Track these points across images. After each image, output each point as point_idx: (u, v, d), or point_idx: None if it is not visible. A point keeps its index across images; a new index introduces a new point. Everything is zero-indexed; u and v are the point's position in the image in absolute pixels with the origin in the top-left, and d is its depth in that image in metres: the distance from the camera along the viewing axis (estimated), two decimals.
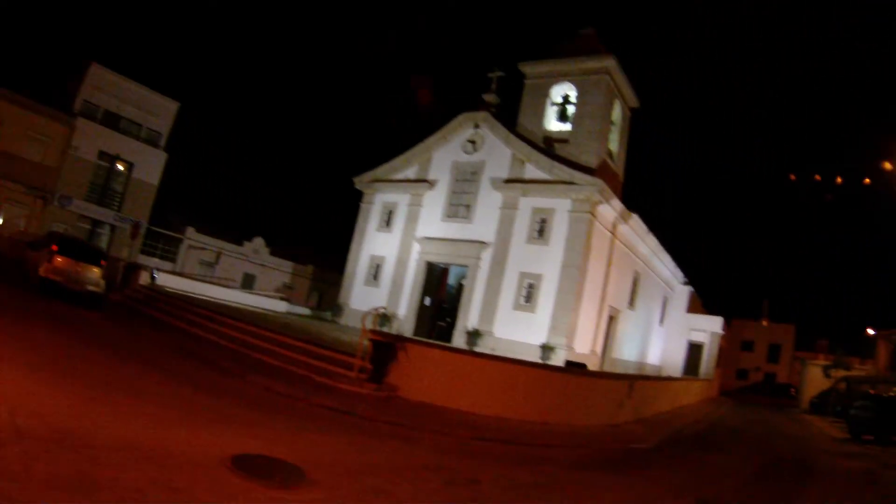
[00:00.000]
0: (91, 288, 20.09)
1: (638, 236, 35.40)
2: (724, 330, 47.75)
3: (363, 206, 35.93)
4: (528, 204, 30.27)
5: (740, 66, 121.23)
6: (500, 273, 30.26)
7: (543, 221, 29.78)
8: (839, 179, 32.08)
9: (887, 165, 27.56)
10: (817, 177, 32.01)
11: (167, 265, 39.65)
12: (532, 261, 29.63)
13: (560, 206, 29.42)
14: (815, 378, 44.21)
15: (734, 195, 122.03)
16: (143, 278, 27.34)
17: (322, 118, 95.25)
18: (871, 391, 34.58)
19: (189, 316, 20.97)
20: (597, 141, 31.03)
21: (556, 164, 29.89)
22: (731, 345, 69.87)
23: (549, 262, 29.15)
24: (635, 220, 33.13)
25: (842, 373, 40.75)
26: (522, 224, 30.24)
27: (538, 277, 29.36)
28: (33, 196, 34.73)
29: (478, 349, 28.36)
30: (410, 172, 34.64)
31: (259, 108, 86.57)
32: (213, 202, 61.78)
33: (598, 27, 34.62)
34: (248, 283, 43.21)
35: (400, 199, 34.57)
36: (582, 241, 28.53)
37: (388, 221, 34.82)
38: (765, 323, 70.96)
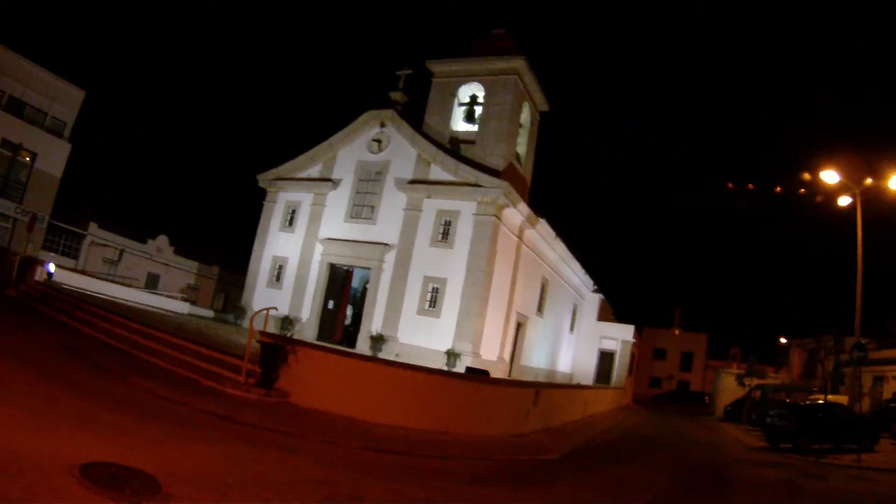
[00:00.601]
0: None
1: (546, 242, 34.53)
2: (635, 338, 47.41)
3: (266, 204, 34.10)
4: (433, 206, 29.04)
5: (662, 69, 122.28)
6: (403, 276, 28.92)
7: (448, 224, 28.59)
8: (750, 186, 31.74)
9: (806, 176, 27.26)
10: (750, 185, 31.60)
11: (69, 262, 37.10)
12: (436, 264, 28.40)
13: (465, 209, 28.27)
14: (729, 386, 44.34)
15: (647, 203, 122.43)
16: (40, 274, 25.53)
17: (229, 112, 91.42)
18: (788, 399, 34.65)
19: (81, 314, 19.68)
20: (504, 143, 29.98)
21: (461, 165, 28.74)
22: (643, 353, 70.06)
23: (453, 265, 27.97)
24: (543, 224, 32.23)
25: (756, 381, 40.80)
26: (427, 226, 28.98)
27: (442, 281, 28.14)
28: None
29: (382, 355, 27.09)
30: (315, 171, 33.01)
31: (166, 101, 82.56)
32: (117, 198, 58.46)
33: (511, 28, 33.66)
34: (152, 283, 40.79)
35: (303, 198, 32.89)
36: (487, 245, 27.42)
37: (291, 221, 33.10)
38: (676, 332, 71.36)
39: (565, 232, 36.03)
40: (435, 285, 28.32)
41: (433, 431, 14.46)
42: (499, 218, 27.97)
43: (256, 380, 14.13)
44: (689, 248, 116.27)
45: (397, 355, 27.05)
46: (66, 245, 38.24)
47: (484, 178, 27.92)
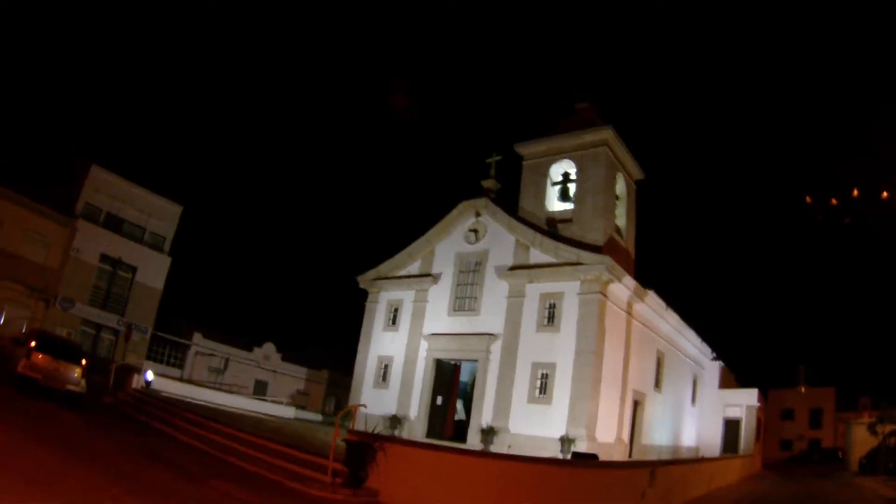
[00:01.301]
0: (70, 387, 18.50)
1: (657, 314, 32.71)
2: (759, 402, 44.07)
3: (368, 305, 33.77)
4: (536, 290, 27.99)
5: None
6: (511, 365, 27.73)
7: (553, 307, 27.41)
8: (855, 192, 28.82)
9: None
10: (833, 201, 28.91)
11: (175, 371, 37.61)
12: (544, 349, 27.14)
13: (568, 289, 27.09)
14: (862, 437, 40.25)
15: (756, 263, 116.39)
16: (137, 381, 25.78)
17: (326, 217, 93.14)
18: None
19: (175, 420, 19.46)
20: (601, 217, 28.83)
21: (560, 245, 27.72)
22: (771, 416, 65.50)
23: (561, 349, 26.64)
24: (651, 296, 30.56)
25: (889, 427, 36.95)
26: (531, 311, 27.87)
27: (551, 367, 26.79)
28: (35, 298, 33.08)
29: (494, 447, 25.95)
30: (414, 268, 32.59)
31: (263, 211, 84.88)
32: (221, 307, 59.59)
33: (595, 100, 32.83)
34: (260, 389, 40.79)
35: (405, 295, 32.40)
36: (594, 324, 26.03)
37: (393, 320, 32.57)
38: (802, 389, 66.29)
39: (676, 302, 34.26)
40: (544, 371, 26.99)
41: None
42: (604, 294, 26.62)
43: (344, 479, 13.29)
44: (802, 301, 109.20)
45: (510, 447, 25.76)
46: (171, 355, 38.79)
47: (585, 256, 26.78)
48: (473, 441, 27.20)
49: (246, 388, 39.41)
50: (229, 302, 62.24)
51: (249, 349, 42.00)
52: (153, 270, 37.60)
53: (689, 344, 39.74)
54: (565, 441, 24.87)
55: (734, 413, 43.10)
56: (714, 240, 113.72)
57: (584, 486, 15.01)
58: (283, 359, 43.43)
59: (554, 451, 24.13)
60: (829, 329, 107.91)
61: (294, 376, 43.37)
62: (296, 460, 14.97)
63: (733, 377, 48.97)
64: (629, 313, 29.63)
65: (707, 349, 42.90)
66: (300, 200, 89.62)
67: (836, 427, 63.43)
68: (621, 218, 31.71)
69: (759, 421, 44.96)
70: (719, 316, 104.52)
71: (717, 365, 44.66)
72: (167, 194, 39.76)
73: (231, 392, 33.50)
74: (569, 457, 23.95)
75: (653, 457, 31.82)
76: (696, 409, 42.43)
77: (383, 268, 33.45)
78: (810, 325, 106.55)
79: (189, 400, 26.35)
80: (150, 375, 27.03)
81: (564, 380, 26.22)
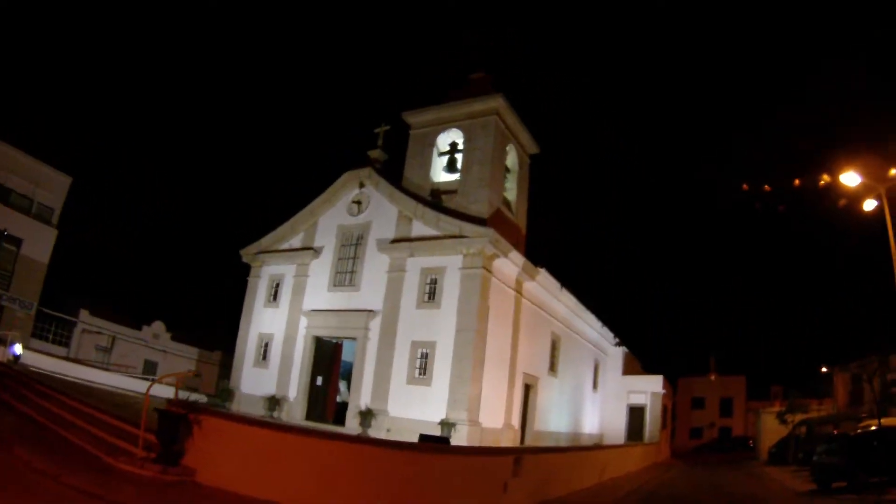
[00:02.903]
0: None
1: (551, 294, 30.16)
2: (665, 388, 42.07)
3: (250, 280, 30.48)
4: (417, 264, 25.17)
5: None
6: (390, 344, 24.88)
7: (434, 282, 24.63)
8: (797, 182, 26.76)
9: (825, 178, 22.67)
10: (767, 187, 26.84)
11: (61, 350, 33.80)
12: (424, 327, 24.37)
13: (451, 264, 24.34)
14: (772, 426, 38.45)
15: (663, 245, 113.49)
16: (3, 354, 23.38)
17: (214, 189, 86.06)
18: (836, 431, 29.22)
19: (26, 392, 17.67)
20: (487, 188, 26.06)
21: (443, 217, 24.93)
22: (681, 404, 64.06)
23: (442, 327, 23.91)
24: (544, 275, 27.98)
25: (799, 416, 35.16)
26: (412, 287, 25.05)
27: (431, 346, 24.05)
28: None
29: (372, 431, 23.19)
30: (296, 241, 29.42)
31: (151, 185, 78.32)
32: (110, 284, 54.61)
33: (493, 72, 29.96)
34: (149, 370, 37.12)
35: (286, 270, 29.23)
36: (476, 301, 23.34)
37: (275, 296, 29.36)
38: (713, 377, 65.18)
39: (579, 285, 31.87)
40: (424, 350, 24.24)
41: None
42: (488, 270, 23.93)
43: (157, 455, 11.48)
44: (714, 290, 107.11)
45: (388, 430, 23.04)
46: (57, 333, 34.92)
47: (468, 228, 24.04)
48: (352, 424, 24.38)
49: (134, 367, 35.76)
50: (118, 278, 57.26)
51: (138, 328, 38.25)
52: (40, 244, 33.54)
53: (590, 328, 37.41)
54: (445, 425, 22.20)
55: (638, 400, 41.04)
56: (624, 226, 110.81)
57: (428, 474, 12.30)
58: (174, 338, 39.77)
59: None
60: (741, 318, 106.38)
61: (185, 357, 39.72)
62: (123, 434, 13.03)
63: (639, 364, 46.95)
64: (518, 292, 26.99)
65: (609, 334, 40.67)
66: (188, 174, 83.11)
67: (746, 416, 62.32)
68: (512, 192, 29.03)
69: (664, 408, 43.02)
70: (627, 303, 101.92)
71: (621, 351, 42.49)
72: (57, 164, 35.88)
73: (116, 371, 30.07)
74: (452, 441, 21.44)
75: (549, 443, 29.36)
76: (598, 396, 40.21)
77: (266, 241, 30.20)
78: (722, 315, 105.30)
79: (61, 377, 23.44)
80: (17, 349, 24.32)
81: (445, 360, 23.55)
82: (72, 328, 35.35)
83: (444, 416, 22.52)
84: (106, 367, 31.68)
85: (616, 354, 42.56)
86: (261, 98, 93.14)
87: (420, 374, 24.10)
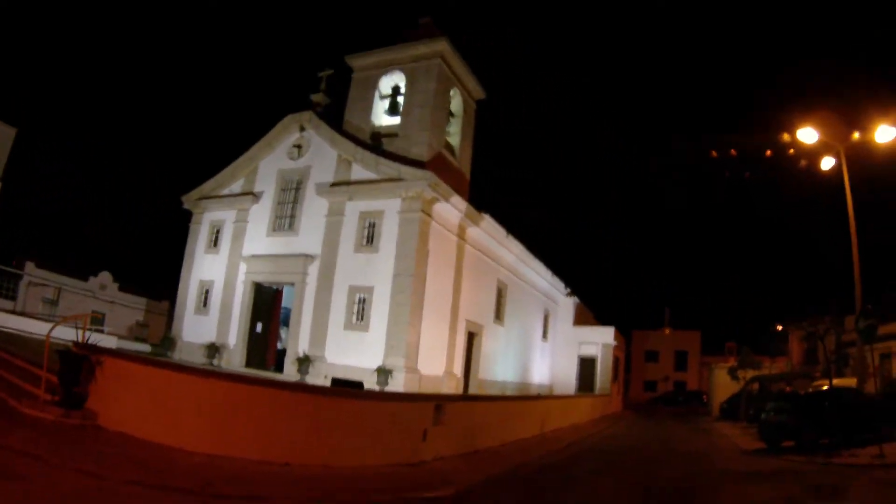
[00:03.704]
0: None
1: (496, 241, 29.22)
2: (617, 340, 41.57)
3: (192, 227, 29.14)
4: (355, 208, 24.07)
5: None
6: (328, 289, 23.87)
7: (372, 226, 23.58)
8: (733, 152, 26.06)
9: (786, 136, 21.88)
10: (732, 151, 26.00)
11: (8, 304, 32.33)
12: (362, 272, 23.36)
13: (389, 208, 23.29)
14: (724, 382, 37.84)
15: (621, 194, 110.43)
16: None
17: (160, 136, 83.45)
18: (788, 389, 28.74)
19: None
20: (428, 131, 24.87)
21: (382, 160, 23.79)
22: (636, 357, 64.02)
23: (380, 271, 22.92)
24: (488, 221, 27.01)
25: (751, 373, 34.60)
26: (350, 231, 23.98)
27: (369, 290, 23.07)
28: None
29: (309, 378, 22.19)
30: (237, 186, 28.13)
31: (94, 134, 74.70)
32: (56, 235, 52.50)
33: (441, 16, 28.55)
34: (97, 321, 35.80)
35: (227, 216, 27.94)
36: (414, 245, 22.36)
37: (215, 242, 28.11)
38: (667, 331, 64.95)
39: (529, 234, 30.97)
40: (362, 295, 23.26)
41: (270, 462, 10.21)
42: (427, 214, 22.92)
43: (60, 398, 11.01)
44: (671, 241, 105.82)
45: (325, 377, 22.06)
46: (3, 287, 33.44)
47: (406, 171, 22.95)
48: (290, 371, 23.44)
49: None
50: (64, 230, 55.13)
51: (85, 279, 36.75)
52: None
53: (540, 278, 36.60)
54: (381, 372, 21.34)
55: (590, 351, 40.55)
56: (582, 177, 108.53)
57: (336, 420, 11.46)
58: (121, 289, 38.32)
59: (370, 384, 20.54)
60: (698, 273, 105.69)
61: (133, 307, 38.35)
62: (32, 378, 12.34)
63: (592, 315, 46.35)
64: (461, 238, 26.02)
65: (560, 284, 39.93)
66: (131, 120, 79.35)
67: (701, 371, 62.33)
68: (456, 137, 27.85)
69: (616, 359, 42.62)
70: (581, 254, 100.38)
71: (572, 301, 41.78)
72: (1, 116, 33.99)
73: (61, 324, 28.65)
74: (387, 388, 20.55)
75: (496, 392, 28.65)
76: (548, 346, 39.59)
77: (206, 186, 28.84)
78: (679, 269, 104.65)
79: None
80: None
81: (382, 305, 22.62)
82: (17, 281, 33.85)
83: (381, 363, 21.67)
84: (51, 319, 30.34)
85: (567, 304, 41.89)
86: (204, 40, 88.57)
87: (357, 319, 23.18)
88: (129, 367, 11.63)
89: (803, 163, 22.42)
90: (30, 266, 34.47)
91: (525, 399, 22.71)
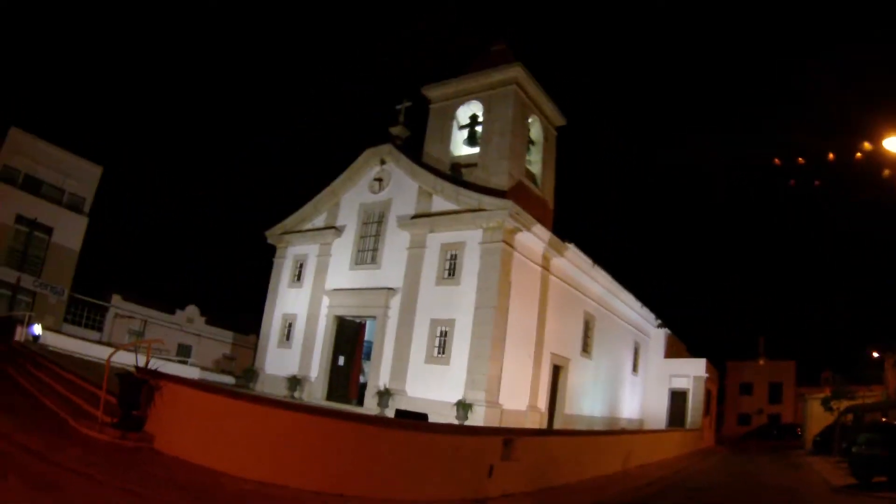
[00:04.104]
0: None
1: (582, 271, 28.01)
2: (708, 372, 39.20)
3: (276, 261, 29.25)
4: (437, 240, 23.46)
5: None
6: (409, 322, 23.27)
7: (454, 258, 22.90)
8: (831, 156, 23.91)
9: (867, 145, 20.10)
10: (800, 160, 24.16)
11: (93, 334, 33.40)
12: (443, 305, 22.66)
13: (470, 239, 22.57)
14: (818, 413, 35.10)
15: (707, 224, 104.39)
16: (21, 335, 23.29)
17: (243, 175, 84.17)
18: (884, 420, 26.38)
19: (29, 366, 17.33)
20: (507, 160, 24.07)
21: (462, 190, 23.14)
22: (729, 389, 60.73)
23: (461, 304, 22.17)
24: (573, 251, 25.90)
25: (845, 403, 31.96)
26: (431, 264, 23.37)
27: (450, 323, 22.32)
28: None
29: (388, 412, 21.38)
30: (319, 220, 28.05)
31: (181, 171, 76.42)
32: (143, 270, 53.80)
33: (515, 43, 27.92)
34: (184, 353, 36.47)
35: (309, 250, 27.89)
36: (496, 277, 21.52)
37: (298, 276, 28.07)
38: (761, 362, 61.04)
39: (616, 264, 29.54)
40: (443, 328, 22.52)
41: (323, 493, 9.68)
42: (509, 244, 22.05)
43: (118, 420, 10.96)
44: (764, 270, 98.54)
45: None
46: (89, 318, 34.44)
47: (487, 201, 22.21)
48: (370, 404, 22.91)
49: (168, 351, 35.01)
50: (151, 264, 56.52)
51: (172, 312, 37.50)
52: (70, 231, 33.55)
53: (628, 309, 34.97)
54: (462, 406, 20.47)
55: (681, 384, 38.39)
56: (668, 204, 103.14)
57: (393, 452, 10.76)
58: (208, 322, 38.93)
59: (450, 418, 19.72)
60: (793, 300, 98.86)
61: (220, 340, 38.88)
62: (93, 400, 12.22)
63: (683, 346, 44.04)
64: (545, 268, 24.99)
65: (650, 315, 38.09)
66: (215, 158, 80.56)
67: (796, 402, 58.33)
68: (537, 165, 26.95)
69: (707, 392, 40.20)
70: (670, 283, 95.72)
71: (663, 332, 39.77)
72: (87, 155, 35.53)
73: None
74: (467, 423, 19.69)
75: (581, 428, 27.29)
76: (638, 380, 37.72)
77: (290, 221, 28.90)
78: (773, 296, 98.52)
79: (80, 356, 22.70)
80: (36, 329, 23.91)
81: (463, 338, 21.80)
82: (104, 313, 34.83)
83: (461, 397, 20.81)
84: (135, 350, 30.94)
85: (658, 336, 39.94)
86: (282, 80, 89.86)
87: (439, 352, 22.42)
88: (187, 393, 11.43)
89: (886, 172, 20.46)
90: (116, 298, 35.42)
91: (605, 434, 21.30)
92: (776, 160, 26.48)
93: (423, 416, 14.06)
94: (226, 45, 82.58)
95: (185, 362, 30.42)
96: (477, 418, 20.14)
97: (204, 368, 29.28)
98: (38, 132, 33.16)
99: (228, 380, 29.86)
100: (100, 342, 29.81)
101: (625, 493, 15.46)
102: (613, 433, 22.94)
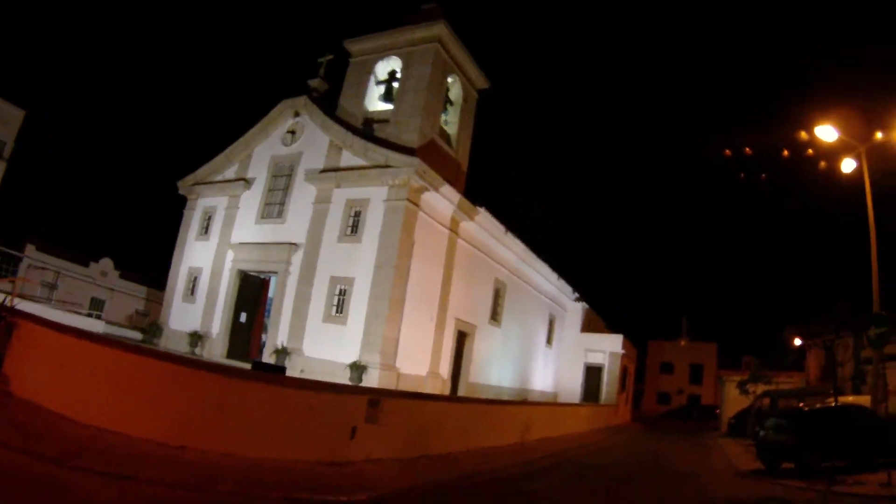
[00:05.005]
0: None
1: (495, 238, 26.99)
2: (625, 349, 38.78)
3: (185, 213, 27.56)
4: (343, 196, 22.15)
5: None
6: (309, 279, 21.98)
7: (357, 215, 21.65)
8: (748, 151, 23.38)
9: (804, 134, 19.41)
10: (748, 150, 23.38)
11: (5, 286, 31.03)
12: (344, 262, 21.42)
13: (375, 196, 21.33)
14: (735, 396, 34.76)
15: (636, 197, 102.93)
16: None
17: (165, 126, 79.27)
18: (801, 405, 26.01)
19: None
20: (420, 117, 22.79)
21: (371, 146, 21.84)
22: (650, 368, 60.89)
23: (362, 262, 20.97)
24: (484, 215, 24.85)
25: (762, 387, 31.69)
26: (335, 220, 22.08)
27: (350, 282, 21.12)
28: None
29: (287, 372, 20.08)
30: (231, 172, 26.44)
31: (101, 120, 72.11)
32: (59, 219, 50.79)
33: (449, 5, 26.31)
34: (96, 307, 34.36)
35: (219, 202, 26.29)
36: (398, 235, 20.30)
37: (206, 228, 26.46)
38: (683, 343, 61.09)
39: (537, 235, 28.62)
40: (342, 287, 21.29)
41: (165, 444, 8.99)
42: (414, 203, 20.89)
43: None
44: (689, 246, 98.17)
45: (302, 371, 20.11)
46: (3, 267, 32.16)
47: (394, 157, 20.97)
48: (269, 362, 21.51)
49: (80, 305, 32.97)
50: (68, 215, 53.42)
51: (86, 264, 35.29)
52: None
53: (545, 280, 34.16)
54: (356, 367, 19.43)
55: (596, 359, 37.92)
56: (598, 180, 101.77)
57: (243, 405, 9.89)
58: (122, 276, 36.82)
59: (343, 380, 18.54)
60: (718, 283, 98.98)
61: (134, 295, 36.82)
62: None
63: (603, 323, 43.64)
64: (454, 231, 23.89)
65: (568, 288, 37.38)
66: (134, 106, 76.76)
67: (716, 384, 58.57)
68: (453, 126, 25.77)
69: (624, 369, 39.85)
70: (594, 259, 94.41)
71: (581, 307, 39.13)
72: (10, 98, 33.01)
73: (58, 308, 27.18)
74: (361, 385, 18.53)
75: (489, 397, 26.37)
76: (553, 352, 37.09)
77: (202, 172, 27.20)
78: (698, 277, 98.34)
79: None
80: None
81: (362, 298, 20.64)
82: (18, 263, 32.58)
83: (355, 358, 19.66)
84: (48, 304, 28.94)
85: (575, 310, 39.26)
86: (206, 25, 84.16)
87: (336, 311, 21.22)
88: (41, 333, 10.56)
89: (822, 164, 19.90)
90: (30, 248, 33.17)
91: (498, 403, 20.22)
92: (727, 151, 25.62)
93: (281, 370, 12.92)
94: None
95: (93, 316, 28.54)
96: (371, 381, 19.08)
97: (111, 323, 27.43)
98: None
99: (135, 335, 28.14)
100: (20, 296, 27.80)
101: (511, 465, 14.46)
102: (509, 403, 21.95)
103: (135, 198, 67.23)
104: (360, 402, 11.40)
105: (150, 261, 39.86)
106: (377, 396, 11.93)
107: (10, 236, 32.85)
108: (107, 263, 36.09)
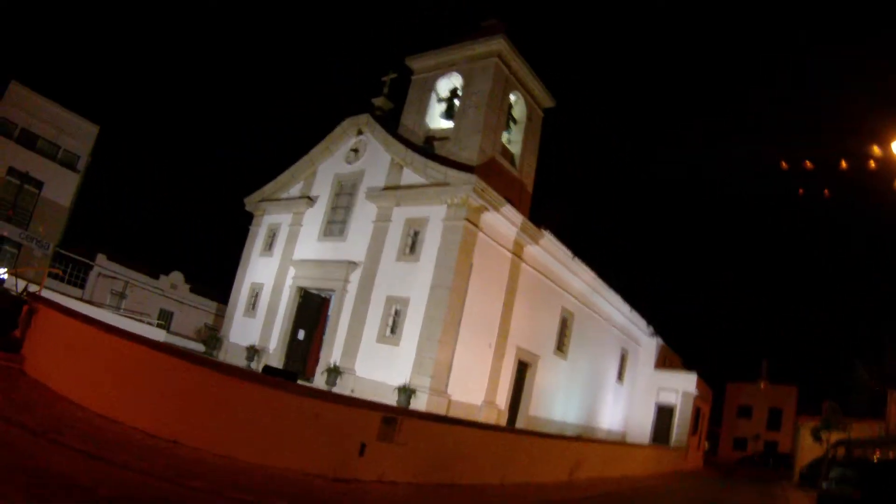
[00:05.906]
0: None
1: (561, 264, 25.20)
2: (700, 389, 35.79)
3: (251, 229, 27.20)
4: (402, 214, 21.08)
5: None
6: (366, 298, 20.95)
7: (416, 234, 20.49)
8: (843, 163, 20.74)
9: (875, 150, 17.12)
10: (808, 164, 21.04)
11: (76, 291, 31.64)
12: (400, 282, 20.32)
13: (434, 215, 20.15)
14: (809, 444, 31.78)
15: (719, 237, 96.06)
16: None
17: (240, 151, 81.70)
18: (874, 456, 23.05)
19: None
20: (480, 134, 21.49)
21: (430, 163, 20.71)
22: (727, 411, 56.80)
23: (418, 283, 19.82)
24: (549, 239, 23.21)
25: (836, 435, 28.46)
26: (394, 239, 21.00)
27: (405, 302, 19.93)
28: None
29: (337, 390, 18.97)
30: (296, 190, 25.92)
31: (180, 138, 74.14)
32: (132, 232, 51.51)
33: (511, 20, 25.18)
34: (164, 318, 34.46)
35: (283, 219, 25.78)
36: (455, 256, 18.93)
37: (270, 245, 25.93)
38: (762, 385, 56.55)
39: (609, 265, 26.71)
40: (397, 307, 20.10)
41: (158, 436, 8.82)
42: (473, 223, 19.55)
43: None
44: (774, 288, 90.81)
45: (352, 391, 18.93)
46: (74, 275, 32.69)
47: (452, 175, 19.71)
48: (319, 381, 20.63)
49: (149, 315, 33.07)
50: (141, 227, 54.25)
51: (156, 277, 35.54)
52: (62, 187, 32.14)
53: (616, 311, 31.81)
54: (404, 391, 18.11)
55: (668, 399, 35.08)
56: (673, 208, 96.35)
57: (249, 408, 9.33)
58: (192, 290, 36.88)
59: (392, 402, 17.24)
60: (802, 323, 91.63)
61: (203, 309, 36.79)
62: None
63: (679, 360, 40.61)
64: (517, 255, 22.32)
65: (642, 322, 34.87)
66: (209, 126, 77.71)
67: (795, 430, 53.99)
68: (517, 145, 24.31)
69: (697, 410, 36.79)
70: (673, 294, 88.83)
71: (655, 341, 36.38)
72: (86, 114, 34.01)
73: (125, 317, 27.34)
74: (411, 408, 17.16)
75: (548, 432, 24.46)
76: (624, 389, 34.52)
77: (268, 189, 26.81)
78: (779, 317, 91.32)
79: None
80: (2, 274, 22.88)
81: (416, 318, 19.44)
82: (88, 271, 33.11)
83: (405, 381, 18.32)
84: (115, 312, 29.15)
85: (650, 345, 36.54)
86: (278, 45, 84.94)
87: (390, 332, 20.05)
88: (54, 317, 11.01)
89: None
90: (101, 258, 33.74)
91: (541, 435, 18.21)
92: (783, 163, 23.28)
93: (292, 377, 11.83)
94: (222, 14, 79.20)
95: (154, 325, 28.35)
96: (418, 406, 17.70)
97: (174, 333, 27.29)
98: (38, 88, 31.83)
99: (198, 347, 27.80)
100: (80, 299, 28.10)
101: (546, 502, 12.80)
102: (554, 437, 19.85)
103: (207, 214, 68.40)
104: (373, 417, 10.28)
105: (221, 277, 39.98)
106: (394, 415, 10.59)
107: (83, 247, 33.58)
108: (177, 276, 36.33)
